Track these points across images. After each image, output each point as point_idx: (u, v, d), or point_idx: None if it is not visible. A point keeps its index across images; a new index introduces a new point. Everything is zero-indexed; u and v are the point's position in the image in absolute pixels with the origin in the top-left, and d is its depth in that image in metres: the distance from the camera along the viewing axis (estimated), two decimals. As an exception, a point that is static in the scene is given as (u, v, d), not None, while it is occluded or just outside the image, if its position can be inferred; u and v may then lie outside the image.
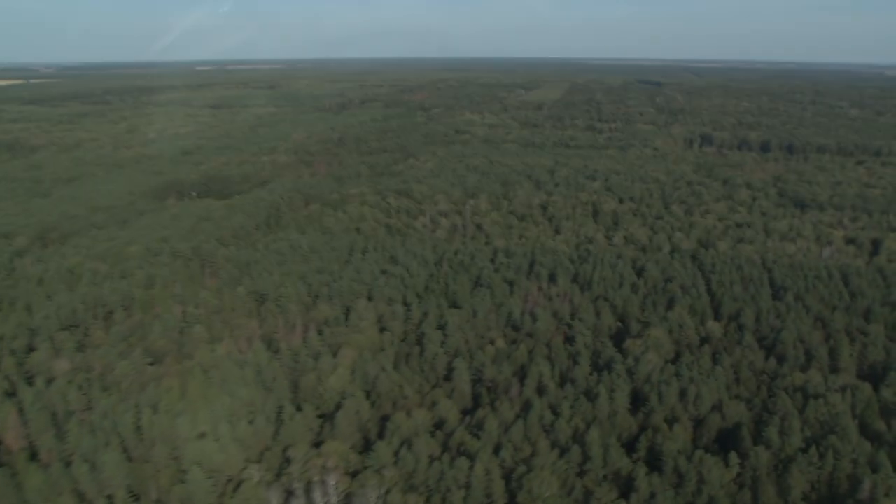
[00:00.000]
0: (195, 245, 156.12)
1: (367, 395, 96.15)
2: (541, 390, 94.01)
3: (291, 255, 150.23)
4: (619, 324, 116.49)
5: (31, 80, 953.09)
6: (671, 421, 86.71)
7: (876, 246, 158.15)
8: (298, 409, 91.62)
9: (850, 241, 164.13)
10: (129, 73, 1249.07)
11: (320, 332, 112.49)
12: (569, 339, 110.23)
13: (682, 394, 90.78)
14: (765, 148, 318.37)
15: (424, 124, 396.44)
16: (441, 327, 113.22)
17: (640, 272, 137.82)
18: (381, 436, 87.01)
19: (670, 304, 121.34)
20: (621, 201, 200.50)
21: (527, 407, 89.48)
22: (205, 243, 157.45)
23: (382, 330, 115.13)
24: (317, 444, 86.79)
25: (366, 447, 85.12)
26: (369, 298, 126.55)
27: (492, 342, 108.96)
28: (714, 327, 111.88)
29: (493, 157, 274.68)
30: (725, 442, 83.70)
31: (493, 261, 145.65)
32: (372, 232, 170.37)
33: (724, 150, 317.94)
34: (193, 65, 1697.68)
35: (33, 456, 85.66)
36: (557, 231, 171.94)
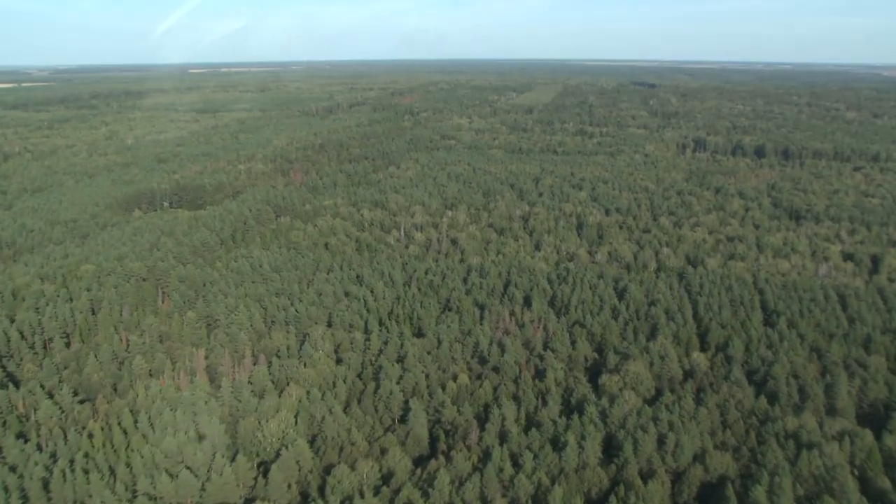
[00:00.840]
0: (151, 264, 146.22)
1: (312, 441, 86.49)
2: (503, 436, 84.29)
3: (251, 274, 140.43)
4: (596, 355, 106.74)
5: (23, 84, 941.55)
6: (647, 475, 76.96)
7: (875, 263, 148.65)
8: (233, 459, 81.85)
9: (847, 256, 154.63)
10: (122, 75, 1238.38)
11: (269, 365, 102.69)
12: (539, 374, 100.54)
13: (661, 441, 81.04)
14: (759, 153, 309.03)
15: (410, 129, 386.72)
16: (401, 359, 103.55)
17: (622, 294, 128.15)
18: (321, 491, 77.35)
19: (653, 332, 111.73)
20: (607, 213, 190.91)
21: (486, 456, 79.79)
22: (162, 261, 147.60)
23: (338, 361, 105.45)
24: (248, 502, 77.16)
25: (302, 506, 75.49)
26: (328, 324, 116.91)
27: (454, 377, 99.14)
28: (699, 359, 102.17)
29: (477, 164, 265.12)
30: (708, 500, 74.09)
31: (465, 280, 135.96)
32: (341, 247, 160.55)
33: (717, 156, 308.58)
34: (187, 67, 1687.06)
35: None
36: (538, 246, 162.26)
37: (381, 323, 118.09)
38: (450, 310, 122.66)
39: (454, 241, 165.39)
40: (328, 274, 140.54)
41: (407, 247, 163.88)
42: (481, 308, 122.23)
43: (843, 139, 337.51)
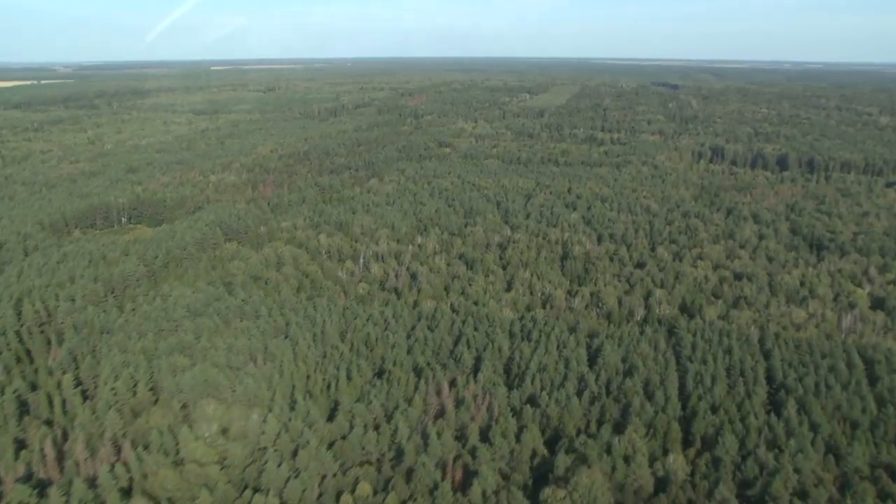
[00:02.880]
0: (55, 304, 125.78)
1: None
2: None
3: (161, 320, 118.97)
4: (546, 451, 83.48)
5: (42, 81, 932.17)
6: None
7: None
8: None
9: (877, 303, 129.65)
10: (139, 72, 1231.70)
11: (126, 464, 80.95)
12: (466, 481, 77.69)
13: None
14: (782, 164, 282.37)
15: (409, 134, 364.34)
16: (295, 453, 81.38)
17: (594, 356, 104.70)
18: None
19: (624, 415, 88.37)
20: (599, 240, 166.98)
21: None
22: (67, 301, 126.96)
23: (218, 460, 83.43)
24: None
25: None
26: (223, 398, 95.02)
27: (354, 486, 76.56)
28: (677, 464, 78.63)
29: (467, 177, 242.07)
30: None
31: (410, 334, 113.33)
32: (280, 283, 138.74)
33: (735, 168, 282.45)
34: (210, 64, 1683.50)
35: None
36: (509, 285, 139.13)
37: (291, 396, 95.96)
38: (381, 376, 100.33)
39: (414, 276, 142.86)
40: (255, 321, 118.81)
41: (359, 282, 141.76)
42: (418, 375, 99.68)
43: (875, 148, 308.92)
